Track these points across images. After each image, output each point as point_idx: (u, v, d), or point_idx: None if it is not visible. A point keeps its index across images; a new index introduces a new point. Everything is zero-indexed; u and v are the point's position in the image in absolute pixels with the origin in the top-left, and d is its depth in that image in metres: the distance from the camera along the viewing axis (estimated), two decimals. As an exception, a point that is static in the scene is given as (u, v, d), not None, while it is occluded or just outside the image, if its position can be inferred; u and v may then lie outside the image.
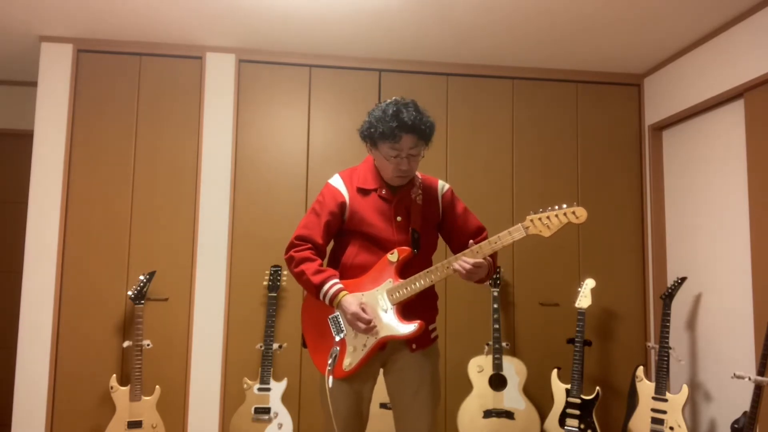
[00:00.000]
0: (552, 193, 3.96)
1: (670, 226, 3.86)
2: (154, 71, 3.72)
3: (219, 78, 3.74)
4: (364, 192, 2.26)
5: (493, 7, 3.16)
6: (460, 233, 2.32)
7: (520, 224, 2.08)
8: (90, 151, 3.62)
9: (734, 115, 3.29)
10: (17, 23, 3.44)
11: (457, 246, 2.33)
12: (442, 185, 2.36)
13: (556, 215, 2.04)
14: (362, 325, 2.10)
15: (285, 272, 3.61)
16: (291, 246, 2.25)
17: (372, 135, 2.19)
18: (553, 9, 3.17)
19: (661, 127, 3.96)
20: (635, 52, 3.72)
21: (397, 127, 2.11)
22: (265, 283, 3.60)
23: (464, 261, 2.09)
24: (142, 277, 3.41)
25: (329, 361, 2.17)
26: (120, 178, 3.63)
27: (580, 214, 2.02)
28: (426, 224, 2.27)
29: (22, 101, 4.37)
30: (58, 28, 3.50)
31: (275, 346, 3.49)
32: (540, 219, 2.05)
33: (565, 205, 2.04)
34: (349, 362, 2.16)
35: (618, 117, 4.07)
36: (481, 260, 2.10)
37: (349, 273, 2.23)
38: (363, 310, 2.12)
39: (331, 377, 2.17)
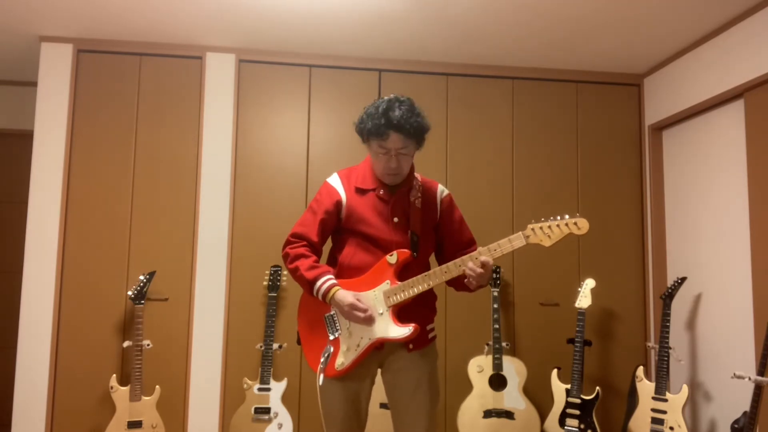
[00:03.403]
0: (552, 193, 3.96)
1: (670, 226, 3.86)
2: (154, 71, 3.72)
3: (219, 78, 3.74)
4: (361, 191, 2.25)
5: (493, 7, 3.16)
6: (452, 242, 2.31)
7: (520, 232, 2.06)
8: (90, 151, 3.62)
9: (734, 115, 3.29)
10: (17, 23, 3.44)
11: (447, 254, 2.32)
12: (442, 190, 2.35)
13: (558, 225, 2.02)
14: (360, 314, 2.09)
15: (285, 272, 3.61)
16: (287, 243, 2.26)
17: (362, 130, 2.20)
18: (554, 9, 3.16)
19: (661, 127, 3.96)
20: (635, 52, 3.71)
21: (384, 125, 2.11)
22: (265, 283, 3.60)
23: (474, 262, 2.06)
24: (142, 277, 3.41)
25: (321, 360, 2.16)
26: (120, 178, 3.63)
27: (582, 225, 2.00)
28: (425, 227, 2.26)
29: (22, 101, 4.37)
30: (58, 28, 3.50)
31: (275, 346, 3.49)
32: (541, 228, 2.04)
33: (567, 216, 2.03)
34: (341, 362, 2.16)
35: (618, 117, 4.07)
36: (490, 260, 2.07)
37: (347, 273, 2.22)
38: (358, 300, 2.11)
39: (322, 376, 2.17)
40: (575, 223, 2.01)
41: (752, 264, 3.09)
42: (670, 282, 3.78)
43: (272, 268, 3.56)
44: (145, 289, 3.39)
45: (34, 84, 3.92)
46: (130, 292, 3.39)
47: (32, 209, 3.51)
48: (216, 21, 3.39)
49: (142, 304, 3.37)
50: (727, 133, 3.35)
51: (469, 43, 3.62)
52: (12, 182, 4.42)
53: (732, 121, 3.31)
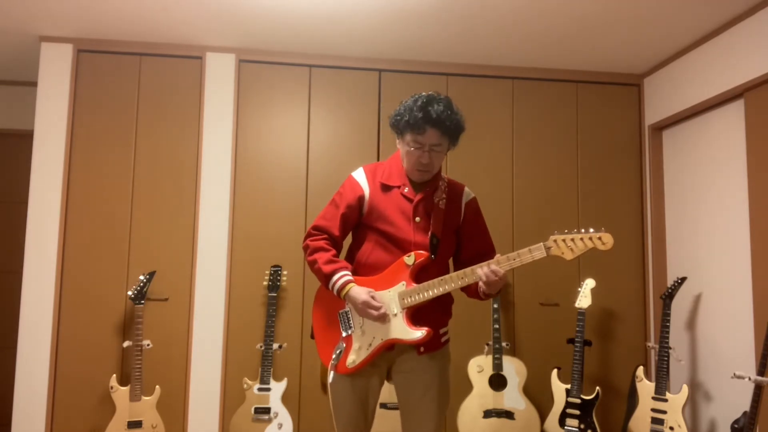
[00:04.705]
0: (552, 193, 3.96)
1: (670, 226, 3.86)
2: (154, 71, 3.72)
3: (219, 78, 3.74)
4: (386, 188, 2.23)
5: (494, 7, 3.16)
6: (469, 247, 2.29)
7: (541, 243, 2.00)
8: (90, 151, 3.62)
9: (734, 115, 3.29)
10: (17, 23, 3.44)
11: (463, 258, 2.31)
12: (468, 193, 2.33)
13: (582, 239, 1.96)
14: (374, 312, 2.08)
15: (285, 272, 3.61)
16: (308, 235, 2.26)
17: (398, 123, 2.18)
18: (554, 9, 3.16)
19: (661, 127, 3.96)
20: (635, 52, 3.71)
21: (422, 119, 2.10)
22: (265, 283, 3.60)
23: (491, 269, 2.02)
24: (142, 277, 3.41)
25: (333, 356, 2.17)
26: (120, 178, 3.63)
27: (607, 240, 1.94)
28: (446, 230, 2.23)
29: (22, 101, 4.37)
30: (58, 28, 3.50)
31: (275, 346, 3.49)
32: (564, 241, 1.98)
33: (592, 230, 1.97)
34: (352, 360, 2.16)
35: (618, 117, 4.07)
36: (503, 271, 2.03)
37: (363, 271, 2.21)
38: (373, 298, 2.10)
39: (332, 372, 2.18)
40: (599, 238, 1.95)
41: (752, 264, 3.09)
42: (670, 282, 3.78)
43: (272, 268, 3.56)
44: (145, 289, 3.39)
45: (34, 84, 3.91)
46: (130, 292, 3.39)
47: (32, 209, 3.51)
48: (216, 21, 3.39)
49: (142, 304, 3.38)
50: (727, 133, 3.35)
51: (469, 43, 3.62)
52: (12, 182, 4.42)
53: (732, 121, 3.31)
